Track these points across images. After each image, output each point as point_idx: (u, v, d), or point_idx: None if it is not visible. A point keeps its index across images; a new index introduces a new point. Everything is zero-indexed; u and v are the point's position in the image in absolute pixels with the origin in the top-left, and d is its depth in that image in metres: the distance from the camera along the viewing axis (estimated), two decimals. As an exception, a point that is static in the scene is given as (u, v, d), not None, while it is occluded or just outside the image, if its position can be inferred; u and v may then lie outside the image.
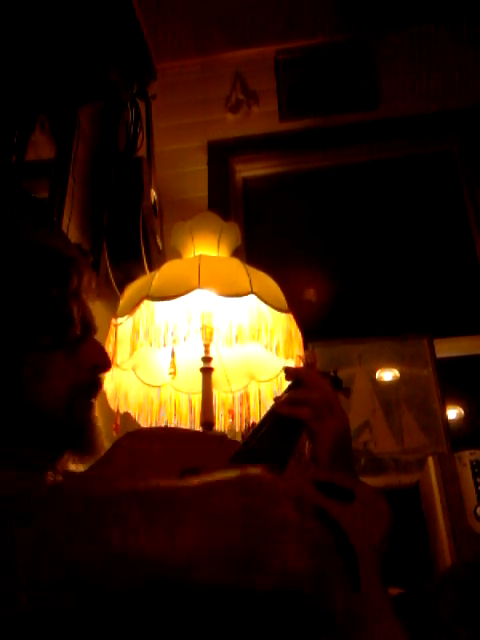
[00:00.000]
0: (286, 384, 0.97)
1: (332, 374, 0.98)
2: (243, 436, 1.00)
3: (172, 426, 1.43)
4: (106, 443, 0.73)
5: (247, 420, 1.46)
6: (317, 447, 0.84)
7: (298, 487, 0.44)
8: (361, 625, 0.47)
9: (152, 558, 0.36)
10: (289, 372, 0.97)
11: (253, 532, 0.38)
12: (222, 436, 1.38)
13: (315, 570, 0.39)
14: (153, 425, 1.43)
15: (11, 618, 0.34)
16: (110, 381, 1.38)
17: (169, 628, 0.39)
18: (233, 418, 1.47)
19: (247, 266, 1.40)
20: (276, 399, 0.90)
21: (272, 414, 0.85)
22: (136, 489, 0.41)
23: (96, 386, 0.78)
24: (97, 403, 0.79)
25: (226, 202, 2.15)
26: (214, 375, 1.40)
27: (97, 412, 0.77)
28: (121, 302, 1.41)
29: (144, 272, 1.68)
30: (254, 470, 0.44)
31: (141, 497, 0.39)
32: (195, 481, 0.41)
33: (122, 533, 0.37)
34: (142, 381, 1.46)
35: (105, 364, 0.78)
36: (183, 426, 1.45)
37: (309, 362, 1.03)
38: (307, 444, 0.89)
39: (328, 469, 0.80)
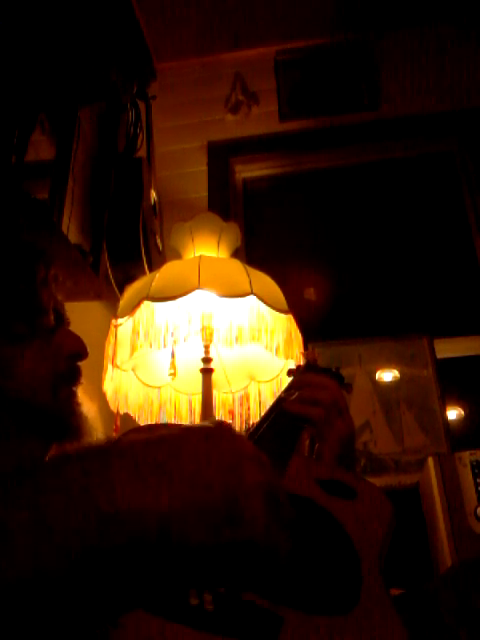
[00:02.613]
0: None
1: (334, 370, 0.98)
2: (243, 436, 1.00)
3: (170, 423, 1.42)
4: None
5: (247, 421, 1.46)
6: (324, 448, 0.84)
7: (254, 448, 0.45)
8: (361, 621, 0.47)
9: (137, 516, 0.37)
10: (297, 373, 0.97)
11: (224, 489, 0.39)
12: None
13: (268, 519, 0.40)
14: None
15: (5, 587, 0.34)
16: (110, 382, 1.37)
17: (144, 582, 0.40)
18: (233, 419, 1.47)
19: (247, 267, 1.40)
20: (280, 398, 0.90)
21: (277, 411, 0.85)
22: (121, 450, 0.41)
23: (76, 374, 0.79)
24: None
25: (226, 203, 2.16)
26: (214, 376, 1.40)
27: (80, 399, 0.78)
28: (121, 303, 1.41)
29: (144, 273, 1.68)
30: (219, 428, 0.45)
31: (123, 458, 0.40)
32: (167, 439, 0.42)
33: (108, 495, 0.37)
34: (142, 382, 1.45)
35: (82, 351, 0.79)
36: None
37: (310, 360, 1.03)
38: (307, 443, 0.89)
39: (332, 467, 0.80)
